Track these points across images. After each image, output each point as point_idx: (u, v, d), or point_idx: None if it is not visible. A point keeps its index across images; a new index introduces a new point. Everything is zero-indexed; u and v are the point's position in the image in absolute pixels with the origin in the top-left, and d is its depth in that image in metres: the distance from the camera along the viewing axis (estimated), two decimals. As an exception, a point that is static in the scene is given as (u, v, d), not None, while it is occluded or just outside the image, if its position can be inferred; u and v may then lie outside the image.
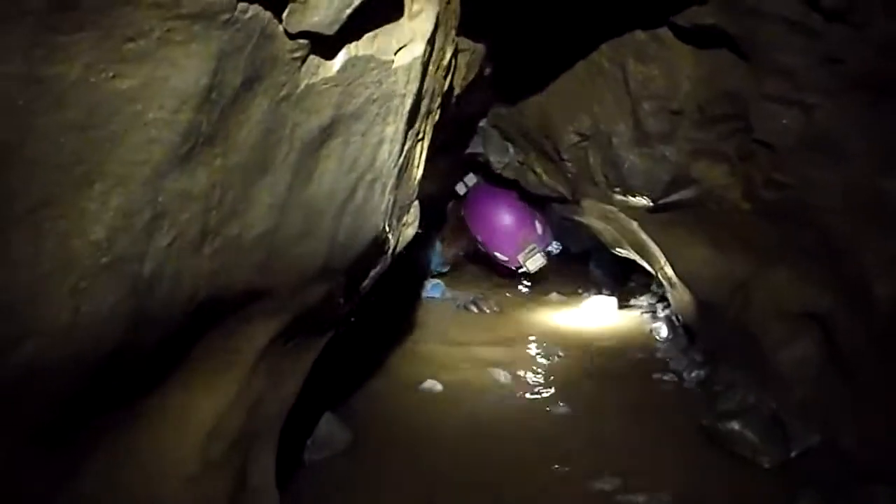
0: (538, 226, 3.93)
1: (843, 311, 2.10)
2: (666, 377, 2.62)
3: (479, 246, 4.20)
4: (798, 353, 2.24)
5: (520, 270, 4.09)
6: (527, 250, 3.90)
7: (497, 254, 4.05)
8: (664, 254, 2.57)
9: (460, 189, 4.08)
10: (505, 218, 3.88)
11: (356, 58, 1.09)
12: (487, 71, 2.06)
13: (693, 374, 2.61)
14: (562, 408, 2.42)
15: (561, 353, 3.01)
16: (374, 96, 1.18)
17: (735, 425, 2.18)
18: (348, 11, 0.99)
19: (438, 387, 2.60)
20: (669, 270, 2.62)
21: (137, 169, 0.81)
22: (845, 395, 2.08)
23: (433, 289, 4.17)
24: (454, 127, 2.01)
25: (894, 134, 1.91)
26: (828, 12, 1.84)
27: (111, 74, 0.75)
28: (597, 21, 2.16)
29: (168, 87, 0.80)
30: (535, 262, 3.92)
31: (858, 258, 2.03)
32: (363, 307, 1.83)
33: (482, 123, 2.92)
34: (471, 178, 4.03)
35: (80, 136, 0.76)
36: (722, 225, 2.33)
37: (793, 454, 2.11)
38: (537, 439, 2.24)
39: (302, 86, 1.02)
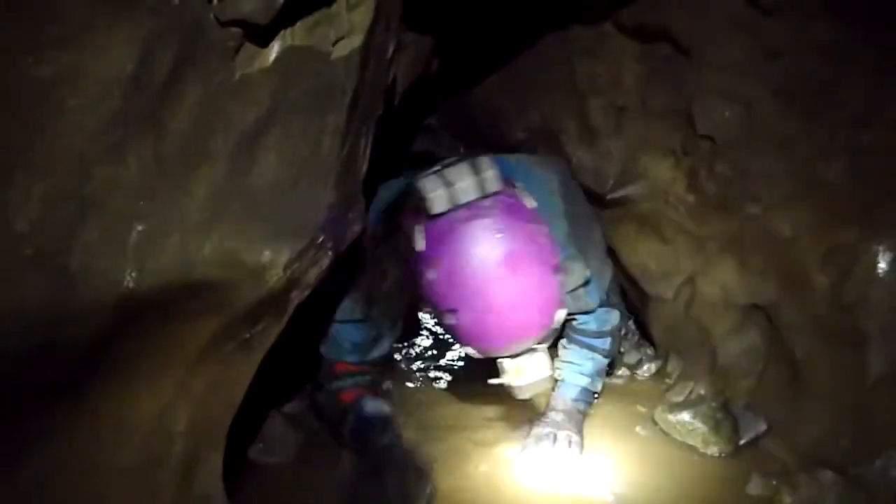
0: (557, 304, 1.77)
1: (787, 301, 2.15)
2: (619, 371, 2.64)
3: (440, 319, 1.81)
4: (744, 344, 2.28)
5: (493, 381, 1.82)
6: (523, 358, 1.76)
7: (471, 348, 1.79)
8: (614, 250, 2.59)
9: (437, 204, 1.67)
10: (525, 296, 1.70)
11: (293, 48, 1.08)
12: (434, 66, 2.06)
13: (645, 368, 2.64)
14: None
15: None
16: (314, 88, 1.17)
17: (686, 416, 2.20)
18: (281, 0, 0.98)
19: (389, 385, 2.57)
20: (620, 266, 2.65)
21: (61, 158, 0.79)
22: (790, 383, 2.12)
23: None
24: (399, 123, 2.00)
25: (831, 126, 1.97)
26: (766, 9, 1.89)
27: (31, 60, 0.74)
28: (543, 18, 2.18)
29: (92, 73, 0.78)
30: (529, 379, 1.76)
31: (799, 249, 2.08)
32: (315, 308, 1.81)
33: (432, 121, 2.92)
34: (465, 183, 1.68)
35: (-1, 123, 0.74)
36: (669, 219, 2.37)
37: (742, 442, 2.14)
38: (493, 430, 2.24)
39: (237, 75, 1.01)
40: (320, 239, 1.43)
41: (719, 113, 2.08)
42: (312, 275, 1.52)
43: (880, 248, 1.94)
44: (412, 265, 1.78)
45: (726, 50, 2.00)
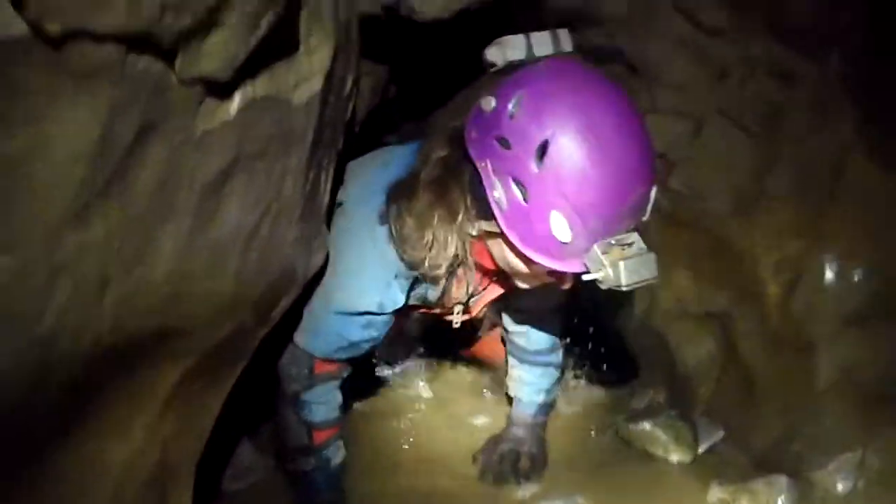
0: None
1: (739, 310, 2.23)
2: (580, 380, 2.68)
3: (505, 178, 1.38)
4: (701, 352, 2.35)
5: (587, 276, 1.38)
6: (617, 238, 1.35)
7: (559, 212, 1.32)
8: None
9: (513, 49, 1.47)
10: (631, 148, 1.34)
11: (254, 99, 1.10)
12: (392, 92, 2.09)
13: (606, 376, 2.69)
14: (478, 419, 2.45)
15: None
16: (275, 134, 1.19)
17: (646, 425, 2.26)
18: (242, 56, 1.00)
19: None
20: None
21: (29, 229, 0.80)
22: (744, 390, 2.20)
23: None
24: (359, 143, 2.01)
25: (775, 142, 2.04)
26: (710, 31, 1.96)
27: (-3, 137, 0.75)
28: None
29: (58, 145, 0.80)
30: (634, 265, 1.33)
31: (750, 261, 2.15)
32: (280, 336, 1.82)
33: (391, 139, 2.94)
34: (544, 40, 1.47)
35: (-34, 200, 0.75)
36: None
37: (700, 450, 2.21)
38: (456, 452, 2.27)
39: (199, 131, 1.02)
40: (286, 272, 1.46)
41: (671, 130, 2.15)
42: (280, 306, 1.55)
43: (826, 258, 2.03)
44: (479, 135, 1.45)
45: (675, 71, 2.07)
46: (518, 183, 1.36)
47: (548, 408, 2.29)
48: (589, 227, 1.33)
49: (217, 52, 0.95)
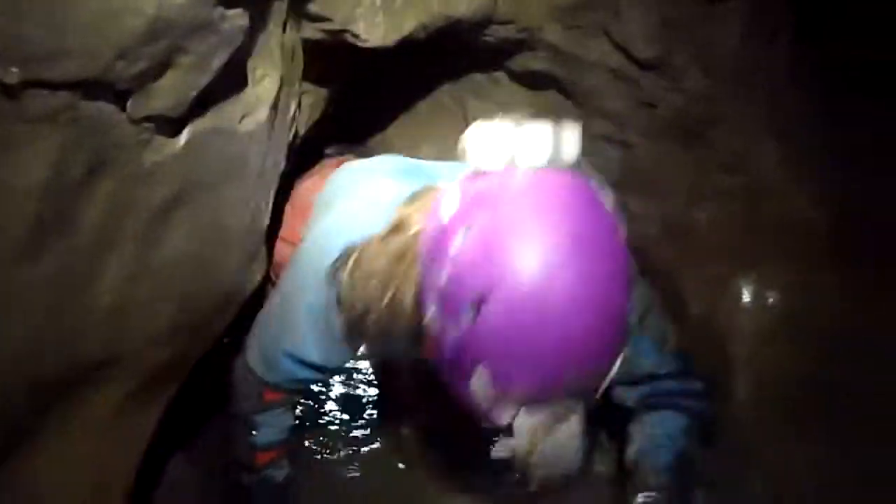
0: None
1: (666, 328, 2.33)
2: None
3: (444, 328, 1.09)
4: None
5: (497, 453, 1.09)
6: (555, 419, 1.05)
7: (480, 382, 1.06)
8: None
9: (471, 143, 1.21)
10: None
11: (201, 131, 1.12)
12: (331, 109, 2.12)
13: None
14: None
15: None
16: (221, 163, 1.22)
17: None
18: (193, 94, 1.03)
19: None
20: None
21: (-19, 266, 0.82)
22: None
23: None
24: (298, 158, 2.03)
25: (701, 171, 2.15)
26: (642, 64, 2.05)
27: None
28: (439, 67, 2.28)
29: (11, 186, 0.81)
30: (559, 455, 1.06)
31: (676, 281, 2.25)
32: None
33: (330, 150, 2.96)
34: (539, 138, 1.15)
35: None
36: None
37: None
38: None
39: (147, 164, 1.04)
40: (226, 295, 1.48)
41: (603, 156, 2.23)
42: (218, 329, 1.56)
43: (744, 281, 2.14)
44: (427, 248, 1.19)
45: (609, 100, 2.15)
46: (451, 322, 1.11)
47: None
48: (513, 394, 1.08)
49: (168, 92, 0.97)
